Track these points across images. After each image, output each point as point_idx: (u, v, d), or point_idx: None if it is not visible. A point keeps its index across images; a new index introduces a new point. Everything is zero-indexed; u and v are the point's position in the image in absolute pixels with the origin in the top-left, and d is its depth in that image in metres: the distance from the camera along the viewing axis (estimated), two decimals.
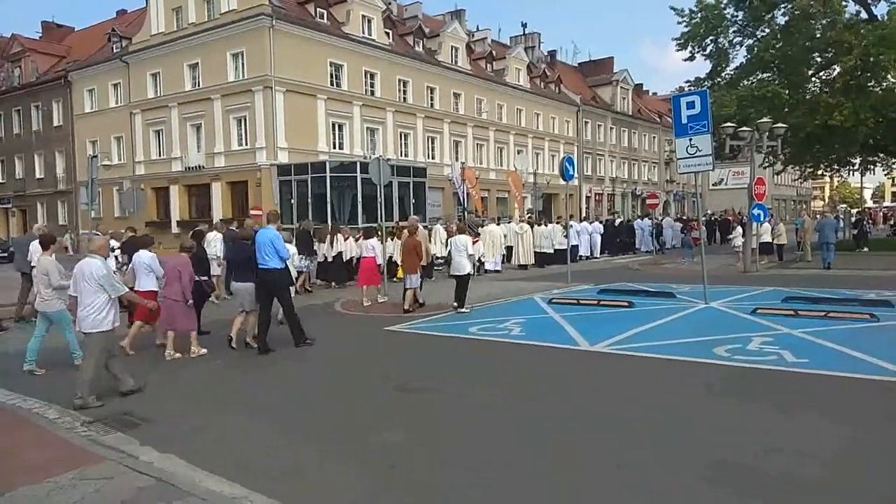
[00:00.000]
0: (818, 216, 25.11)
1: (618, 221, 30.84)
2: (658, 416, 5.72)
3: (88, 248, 7.46)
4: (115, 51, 34.81)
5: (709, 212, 37.27)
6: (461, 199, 29.42)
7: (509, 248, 21.22)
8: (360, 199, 25.64)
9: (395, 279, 15.45)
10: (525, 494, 4.19)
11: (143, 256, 8.70)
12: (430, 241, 16.81)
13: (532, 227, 21.57)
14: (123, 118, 33.93)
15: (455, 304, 11.83)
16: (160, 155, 32.84)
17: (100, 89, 35.46)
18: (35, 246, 11.86)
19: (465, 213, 28.42)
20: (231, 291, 10.10)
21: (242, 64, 28.57)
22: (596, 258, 25.13)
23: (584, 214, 41.46)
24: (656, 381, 6.87)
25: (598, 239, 25.98)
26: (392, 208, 26.65)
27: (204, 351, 8.75)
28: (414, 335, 9.98)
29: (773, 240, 20.99)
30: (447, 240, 16.58)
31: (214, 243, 13.77)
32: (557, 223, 23.67)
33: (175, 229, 30.17)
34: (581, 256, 24.15)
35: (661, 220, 31.79)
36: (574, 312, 11.35)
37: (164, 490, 4.22)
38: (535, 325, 10.36)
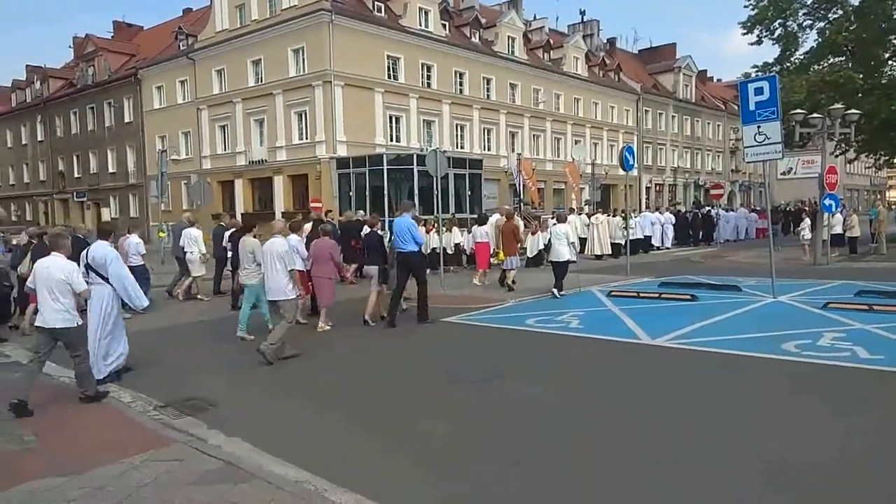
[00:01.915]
0: (892, 206, 23.88)
1: (711, 210, 30.05)
2: (721, 412, 5.59)
3: (274, 229, 8.79)
4: (181, 48, 35.92)
5: (782, 202, 36.01)
6: (518, 190, 29.28)
7: (582, 240, 21.27)
8: (416, 190, 25.81)
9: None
10: (560, 490, 4.18)
11: (293, 240, 9.52)
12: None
13: (607, 217, 21.77)
14: (190, 114, 35.07)
15: (554, 289, 12.53)
16: (225, 149, 33.82)
17: (168, 86, 36.68)
18: (186, 232, 13.37)
19: (521, 205, 28.29)
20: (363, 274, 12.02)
21: (303, 59, 29.10)
22: (668, 248, 25.05)
23: (643, 205, 40.59)
24: (720, 377, 6.70)
25: (671, 230, 25.91)
26: (448, 200, 26.84)
27: (328, 327, 9.86)
28: (470, 327, 10.02)
29: (844, 231, 20.10)
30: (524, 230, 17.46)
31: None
32: (635, 214, 24.23)
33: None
34: (658, 247, 24.63)
35: (731, 211, 31.01)
36: (634, 305, 11.16)
37: (231, 472, 4.37)
38: (594, 318, 10.24)
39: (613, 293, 12.52)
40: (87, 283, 6.62)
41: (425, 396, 6.38)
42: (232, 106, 32.67)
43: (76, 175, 44.07)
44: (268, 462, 4.63)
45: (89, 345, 6.65)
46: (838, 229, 19.83)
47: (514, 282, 13.79)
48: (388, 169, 26.35)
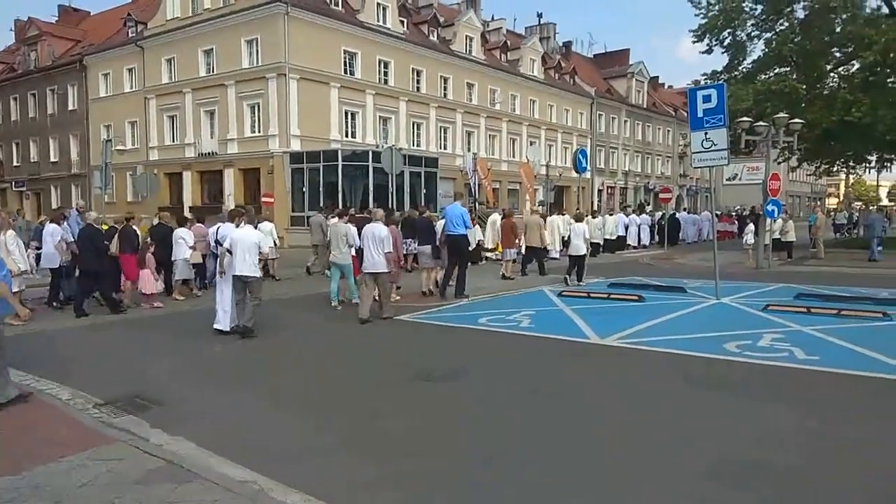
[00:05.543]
0: (834, 213, 24.75)
1: (659, 214, 30.80)
2: (664, 410, 5.72)
3: (373, 217, 10.34)
4: (130, 35, 34.92)
5: (738, 207, 37.13)
6: (472, 189, 29.37)
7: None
8: (371, 188, 25.67)
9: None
10: (515, 489, 4.21)
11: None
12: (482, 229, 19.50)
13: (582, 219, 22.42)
14: (138, 103, 34.10)
15: (567, 276, 14.40)
16: (174, 140, 32.99)
17: (115, 74, 35.61)
18: (262, 226, 13.90)
19: (476, 204, 28.38)
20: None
21: (257, 51, 28.58)
22: (646, 246, 26.45)
23: (595, 207, 41.19)
24: (665, 376, 6.84)
25: (647, 231, 27.20)
26: (403, 198, 26.75)
27: (397, 297, 11.66)
28: (423, 325, 9.99)
29: (780, 237, 20.76)
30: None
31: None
32: (610, 215, 25.83)
33: (188, 215, 30.32)
34: (636, 247, 26.00)
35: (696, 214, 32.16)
36: (584, 306, 11.31)
37: (174, 472, 4.26)
38: (545, 317, 10.34)
39: (564, 293, 12.68)
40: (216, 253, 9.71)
41: (380, 394, 6.32)
42: (182, 96, 31.86)
43: (15, 163, 42.47)
44: (212, 461, 4.52)
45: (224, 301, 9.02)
46: (779, 234, 20.52)
47: (512, 274, 15.34)
48: (342, 165, 26.15)
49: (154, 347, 8.45)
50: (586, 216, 17.90)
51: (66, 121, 38.75)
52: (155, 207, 21.05)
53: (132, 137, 34.89)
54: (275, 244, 15.22)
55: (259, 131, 28.96)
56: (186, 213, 28.42)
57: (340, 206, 22.44)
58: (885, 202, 76.96)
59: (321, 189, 26.34)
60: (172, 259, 12.39)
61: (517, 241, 16.06)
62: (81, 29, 42.92)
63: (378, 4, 31.69)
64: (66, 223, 12.03)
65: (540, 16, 50.19)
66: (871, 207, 37.02)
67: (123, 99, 34.95)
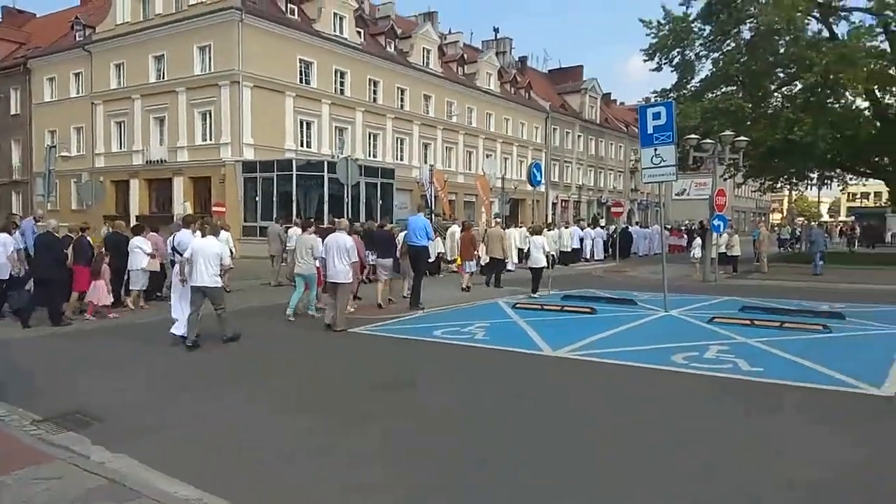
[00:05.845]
0: (778, 228, 25.51)
1: (612, 228, 31.31)
2: (614, 420, 5.78)
3: (338, 227, 10.67)
4: (78, 39, 33.97)
5: (687, 221, 38.17)
6: (429, 201, 29.39)
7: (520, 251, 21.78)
8: (326, 198, 25.45)
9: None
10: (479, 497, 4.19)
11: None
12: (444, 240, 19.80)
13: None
14: (84, 109, 33.13)
15: (536, 290, 14.63)
16: (121, 147, 32.14)
17: (60, 78, 34.56)
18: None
19: (433, 216, 28.42)
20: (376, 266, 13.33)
21: (209, 57, 28.12)
22: (599, 259, 26.87)
23: (548, 219, 41.72)
24: (615, 388, 6.93)
25: (601, 244, 27.63)
26: (359, 208, 26.59)
27: (353, 309, 11.62)
28: (378, 338, 9.90)
29: (726, 251, 21.36)
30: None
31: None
32: (566, 228, 26.28)
33: (136, 223, 29.51)
34: (588, 259, 26.55)
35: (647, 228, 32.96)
36: (537, 318, 11.39)
37: (115, 491, 4.10)
38: (499, 329, 10.37)
39: (518, 305, 12.75)
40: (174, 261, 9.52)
41: (334, 408, 6.20)
42: (130, 102, 31.12)
43: None
44: (156, 479, 4.37)
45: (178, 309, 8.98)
46: (725, 248, 21.11)
47: (470, 285, 15.30)
48: (297, 175, 25.86)
49: (99, 360, 8.14)
50: (543, 229, 18.12)
51: (7, 125, 37.40)
52: (100, 216, 20.38)
53: (78, 144, 33.87)
54: (231, 253, 14.87)
55: (210, 139, 28.43)
56: (133, 222, 27.70)
57: (295, 216, 22.31)
58: (825, 217, 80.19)
59: (275, 199, 25.99)
60: (129, 268, 12.15)
61: (476, 252, 16.18)
62: (26, 31, 41.57)
63: (335, 14, 31.60)
64: (17, 232, 11.42)
65: (497, 30, 50.94)
66: (812, 223, 38.52)
67: (69, 104, 33.92)
